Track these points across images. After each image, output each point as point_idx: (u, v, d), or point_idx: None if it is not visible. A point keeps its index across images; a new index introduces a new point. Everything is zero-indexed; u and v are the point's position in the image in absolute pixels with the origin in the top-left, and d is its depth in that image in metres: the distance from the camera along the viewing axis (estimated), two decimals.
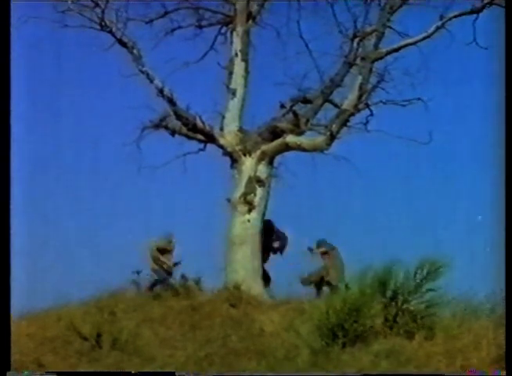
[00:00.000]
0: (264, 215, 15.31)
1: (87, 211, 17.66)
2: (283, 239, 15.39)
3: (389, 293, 11.41)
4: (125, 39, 15.02)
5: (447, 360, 10.20)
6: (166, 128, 15.58)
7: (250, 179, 15.25)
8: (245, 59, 15.89)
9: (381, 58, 15.42)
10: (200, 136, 15.64)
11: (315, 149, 15.24)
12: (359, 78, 15.16)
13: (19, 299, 11.82)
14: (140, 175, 15.63)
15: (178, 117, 15.27)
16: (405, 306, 11.33)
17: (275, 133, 15.41)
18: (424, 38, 15.31)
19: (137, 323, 12.43)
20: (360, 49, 15.63)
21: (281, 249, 15.41)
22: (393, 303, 11.36)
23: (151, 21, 16.28)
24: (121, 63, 15.29)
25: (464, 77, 17.87)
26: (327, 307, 11.14)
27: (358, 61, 15.51)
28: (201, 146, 15.86)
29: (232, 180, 15.49)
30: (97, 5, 14.78)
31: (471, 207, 16.39)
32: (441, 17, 15.19)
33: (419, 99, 15.84)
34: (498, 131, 11.86)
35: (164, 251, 15.01)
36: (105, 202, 17.64)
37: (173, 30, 16.47)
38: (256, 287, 14.51)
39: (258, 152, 15.32)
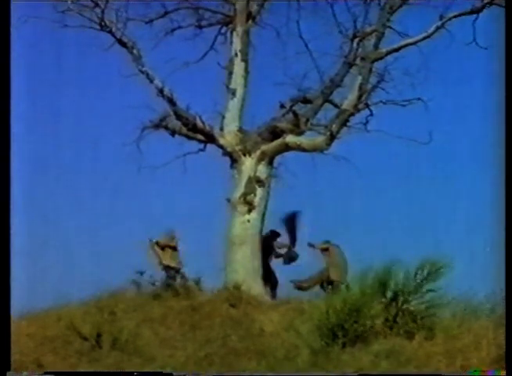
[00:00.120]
0: (264, 215, 15.31)
1: (87, 211, 17.66)
2: (291, 251, 15.34)
3: (389, 293, 11.41)
4: (125, 39, 15.02)
5: (447, 360, 10.19)
6: (166, 128, 15.58)
7: (250, 179, 15.25)
8: (245, 59, 15.89)
9: (381, 58, 15.42)
10: (199, 136, 15.64)
11: (315, 149, 15.24)
12: (359, 78, 15.16)
13: (19, 299, 11.82)
14: (140, 175, 15.65)
15: (178, 117, 15.27)
16: (405, 306, 11.33)
17: (275, 133, 15.41)
18: (424, 38, 15.31)
19: (137, 323, 12.43)
20: (360, 49, 15.63)
21: (288, 259, 15.37)
22: (393, 303, 11.36)
23: (151, 21, 16.28)
24: (121, 63, 15.32)
25: (464, 77, 17.88)
26: (327, 307, 11.14)
27: (358, 61, 15.51)
28: (201, 146, 15.87)
29: (232, 180, 15.49)
30: (97, 5, 14.78)
31: (471, 207, 16.39)
32: (441, 17, 15.19)
33: (419, 99, 15.83)
34: (498, 131, 11.86)
35: (165, 247, 15.03)
36: (105, 202, 17.63)
37: (173, 30, 16.47)
38: (256, 287, 14.51)
39: (258, 152, 15.32)
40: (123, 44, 15.04)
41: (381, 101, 16.01)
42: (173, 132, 15.61)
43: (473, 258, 13.56)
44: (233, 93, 15.72)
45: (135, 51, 15.03)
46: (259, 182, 15.27)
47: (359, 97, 15.24)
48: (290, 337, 11.37)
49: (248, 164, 15.31)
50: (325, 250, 14.85)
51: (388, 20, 15.28)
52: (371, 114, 16.02)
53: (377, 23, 15.34)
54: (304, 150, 15.33)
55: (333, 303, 11.18)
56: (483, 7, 15.13)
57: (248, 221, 15.05)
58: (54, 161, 17.62)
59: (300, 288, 14.63)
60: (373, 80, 15.56)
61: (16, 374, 10.68)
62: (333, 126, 14.98)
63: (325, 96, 15.63)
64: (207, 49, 16.59)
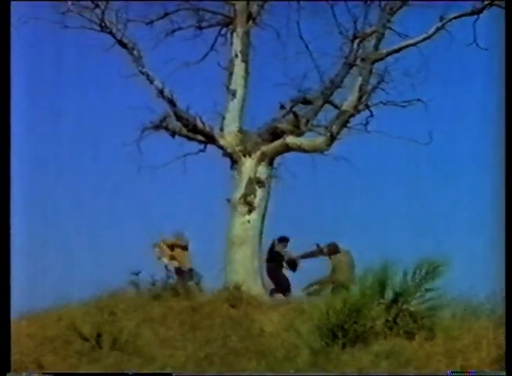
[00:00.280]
0: (264, 215, 15.32)
1: (87, 211, 17.66)
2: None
3: (389, 293, 11.41)
4: (125, 40, 15.05)
5: (447, 361, 10.17)
6: (166, 128, 15.59)
7: (250, 180, 15.25)
8: (245, 60, 15.90)
9: (381, 59, 15.44)
10: (200, 137, 15.65)
11: (315, 150, 15.25)
12: (359, 79, 15.17)
13: (19, 299, 11.82)
14: (140, 176, 15.66)
15: (179, 117, 15.28)
16: (405, 307, 11.32)
17: (275, 134, 15.42)
18: (424, 39, 15.32)
19: (137, 323, 12.42)
20: (360, 50, 15.63)
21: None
22: (393, 304, 11.36)
23: (151, 22, 16.28)
24: (121, 64, 15.34)
25: (464, 78, 17.91)
26: (327, 307, 11.13)
27: (358, 62, 15.52)
28: (201, 146, 15.87)
29: (232, 181, 15.50)
30: (97, 6, 14.81)
31: (471, 208, 16.40)
32: (442, 18, 15.21)
33: (419, 99, 15.83)
34: (498, 131, 11.87)
35: (174, 247, 15.06)
36: (105, 202, 17.64)
37: (173, 31, 16.46)
38: (256, 288, 14.52)
39: (258, 153, 15.32)
40: (123, 45, 15.06)
41: (381, 102, 16.00)
42: (173, 133, 15.62)
43: (473, 258, 13.58)
44: (233, 94, 15.72)
45: (135, 52, 15.04)
46: (259, 182, 15.28)
47: (359, 98, 15.24)
48: (290, 337, 11.35)
49: (248, 164, 15.32)
50: (332, 253, 14.82)
51: (388, 21, 15.30)
52: (371, 115, 16.01)
53: (378, 23, 15.35)
54: (304, 150, 15.33)
55: (333, 303, 11.18)
56: (483, 8, 15.14)
57: (248, 221, 15.06)
58: (54, 161, 17.64)
59: (310, 294, 14.61)
60: (373, 81, 15.58)
61: (16, 375, 10.68)
62: (334, 127, 14.99)
63: (325, 97, 15.63)
64: (208, 50, 16.61)
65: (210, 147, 15.77)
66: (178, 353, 11.38)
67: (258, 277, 14.82)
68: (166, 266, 14.92)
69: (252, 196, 15.18)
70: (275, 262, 15.24)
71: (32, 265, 14.56)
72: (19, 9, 13.49)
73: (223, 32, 16.50)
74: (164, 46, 16.28)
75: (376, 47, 15.27)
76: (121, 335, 11.60)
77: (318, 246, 15.04)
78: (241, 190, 15.20)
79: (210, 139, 15.56)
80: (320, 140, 15.20)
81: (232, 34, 16.16)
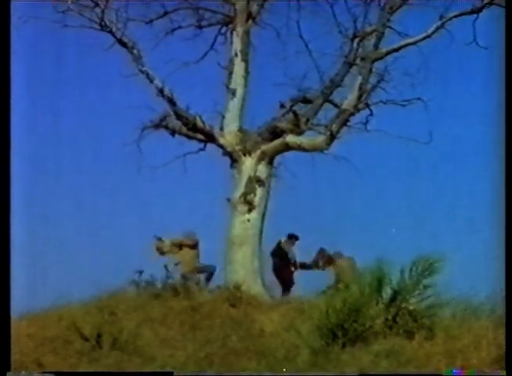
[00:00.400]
0: (264, 215, 15.32)
1: (87, 211, 17.64)
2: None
3: (388, 292, 11.41)
4: (125, 39, 15.04)
5: (447, 360, 10.19)
6: (166, 127, 15.60)
7: (250, 179, 15.26)
8: (245, 60, 15.90)
9: (381, 58, 15.43)
10: (200, 136, 15.65)
11: (315, 149, 15.25)
12: (359, 78, 15.18)
13: (19, 299, 11.82)
14: (140, 175, 15.65)
15: (178, 117, 15.29)
16: (404, 305, 11.33)
17: (275, 133, 15.42)
18: (424, 38, 15.32)
19: (137, 323, 12.42)
20: (360, 49, 15.63)
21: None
22: (392, 302, 11.36)
23: (151, 21, 16.28)
24: (121, 63, 15.32)
25: (464, 77, 17.87)
26: (327, 307, 11.14)
27: (358, 61, 15.52)
28: (201, 145, 15.88)
29: (232, 180, 15.50)
30: (97, 5, 14.79)
31: (471, 207, 16.39)
32: (441, 17, 15.20)
33: (419, 99, 15.83)
34: (498, 131, 11.87)
35: (181, 246, 15.08)
36: (105, 202, 17.62)
37: (173, 30, 16.47)
38: (256, 287, 14.52)
39: (258, 152, 15.33)
40: (123, 44, 15.05)
41: (381, 101, 16.01)
42: (173, 132, 15.62)
43: (473, 258, 13.58)
44: (233, 93, 15.73)
45: (135, 51, 15.04)
46: (259, 181, 15.28)
47: (359, 97, 15.25)
48: (290, 337, 11.36)
49: (248, 163, 15.32)
50: (330, 262, 14.80)
51: (388, 20, 15.30)
52: (371, 114, 16.02)
53: (377, 23, 15.35)
54: (304, 149, 15.33)
55: (333, 303, 11.18)
56: (483, 7, 15.13)
57: (248, 220, 15.06)
58: (54, 161, 17.59)
59: None
60: (373, 80, 15.58)
61: (15, 375, 10.68)
62: (333, 126, 14.99)
63: (325, 96, 15.64)
64: (207, 49, 16.62)
65: (210, 146, 15.80)
66: (178, 353, 11.38)
67: (258, 277, 14.82)
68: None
69: (252, 195, 15.18)
70: (280, 258, 15.20)
71: (32, 265, 14.54)
72: (19, 8, 13.52)
73: (223, 31, 16.53)
74: (163, 45, 16.31)
75: (376, 46, 15.27)
76: (121, 335, 11.60)
77: (322, 250, 15.02)
78: (241, 189, 15.20)
79: (210, 138, 15.56)
80: (320, 139, 15.20)
81: (232, 33, 16.17)
